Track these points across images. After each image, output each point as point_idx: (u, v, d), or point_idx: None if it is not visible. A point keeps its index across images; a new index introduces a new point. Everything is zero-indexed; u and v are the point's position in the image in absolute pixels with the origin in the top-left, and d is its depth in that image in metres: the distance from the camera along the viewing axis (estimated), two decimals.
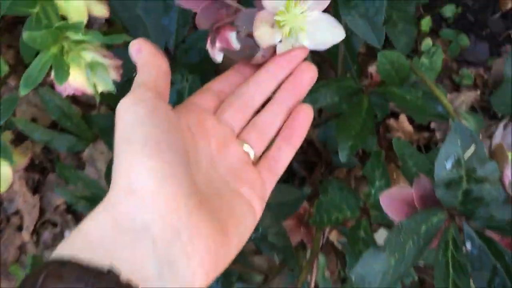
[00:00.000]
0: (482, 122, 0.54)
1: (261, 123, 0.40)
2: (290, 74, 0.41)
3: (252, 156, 0.39)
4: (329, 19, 0.41)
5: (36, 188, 0.84)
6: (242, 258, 0.61)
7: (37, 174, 0.83)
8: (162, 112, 0.34)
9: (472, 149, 0.39)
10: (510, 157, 0.43)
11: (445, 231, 0.45)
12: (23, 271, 0.79)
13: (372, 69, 0.65)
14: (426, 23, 0.83)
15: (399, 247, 0.42)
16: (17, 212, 0.83)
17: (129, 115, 0.33)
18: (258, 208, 0.37)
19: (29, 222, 0.81)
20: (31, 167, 0.84)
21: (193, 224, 0.30)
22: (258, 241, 0.57)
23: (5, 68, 0.55)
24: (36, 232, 0.82)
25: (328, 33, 0.41)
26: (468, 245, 0.45)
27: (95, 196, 0.71)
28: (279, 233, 0.56)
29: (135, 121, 0.33)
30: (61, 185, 0.84)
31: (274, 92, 0.41)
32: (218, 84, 0.42)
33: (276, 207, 0.59)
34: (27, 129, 0.79)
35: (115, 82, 0.55)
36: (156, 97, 0.35)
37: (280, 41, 0.40)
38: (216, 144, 0.38)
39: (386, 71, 0.55)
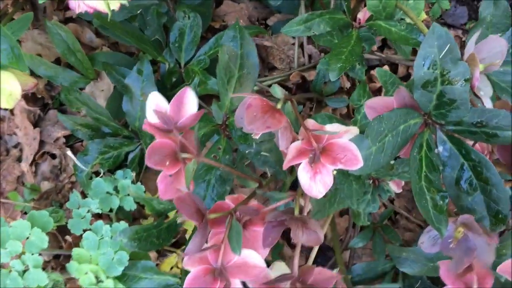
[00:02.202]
0: None
1: None
2: None
3: None
4: None
5: (36, 123, 0.87)
6: (240, 167, 0.66)
7: (39, 109, 0.87)
8: None
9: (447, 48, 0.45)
10: (480, 66, 0.49)
11: (420, 134, 0.51)
12: (21, 199, 0.83)
13: (360, 14, 0.70)
14: None
15: (380, 136, 0.47)
16: (17, 145, 0.87)
17: None
18: None
19: (28, 153, 0.85)
20: (33, 102, 0.87)
21: None
22: (252, 156, 0.62)
23: None
24: (35, 163, 0.85)
25: None
26: (440, 148, 0.51)
27: (97, 122, 0.75)
28: (271, 148, 0.61)
29: None
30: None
31: None
32: None
33: None
34: (32, 64, 0.83)
35: None
36: None
37: None
38: None
39: (374, 6, 0.61)
